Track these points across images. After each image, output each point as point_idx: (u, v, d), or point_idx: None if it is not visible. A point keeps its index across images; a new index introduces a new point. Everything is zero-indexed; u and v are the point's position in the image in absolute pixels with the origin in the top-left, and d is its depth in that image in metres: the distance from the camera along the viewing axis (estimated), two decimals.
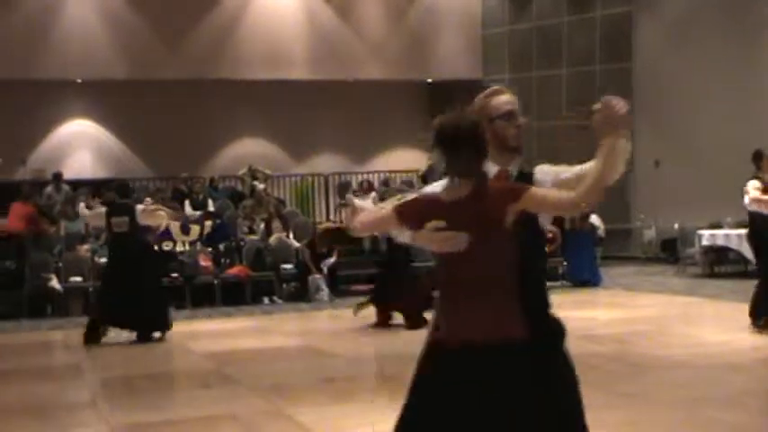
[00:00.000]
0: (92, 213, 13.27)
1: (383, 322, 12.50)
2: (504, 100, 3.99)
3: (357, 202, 13.54)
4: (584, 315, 12.49)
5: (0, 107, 21.07)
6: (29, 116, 21.57)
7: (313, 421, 7.00)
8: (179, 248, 16.44)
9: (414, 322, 11.91)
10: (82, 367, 10.19)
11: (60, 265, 15.98)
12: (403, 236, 3.73)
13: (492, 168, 3.81)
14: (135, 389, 9.02)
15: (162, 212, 12.50)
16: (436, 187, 3.75)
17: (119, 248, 12.04)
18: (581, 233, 17.03)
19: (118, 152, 23.35)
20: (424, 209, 3.52)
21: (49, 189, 19.19)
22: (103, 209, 12.42)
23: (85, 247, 16.42)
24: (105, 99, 22.60)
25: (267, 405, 7.78)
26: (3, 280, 15.66)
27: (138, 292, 11.65)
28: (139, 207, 12.14)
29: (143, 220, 12.02)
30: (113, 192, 12.54)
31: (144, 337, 11.89)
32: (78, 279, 15.79)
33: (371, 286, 13.70)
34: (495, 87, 4.08)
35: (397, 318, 12.49)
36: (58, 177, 19.40)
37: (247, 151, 23.03)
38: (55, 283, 15.51)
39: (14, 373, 10.01)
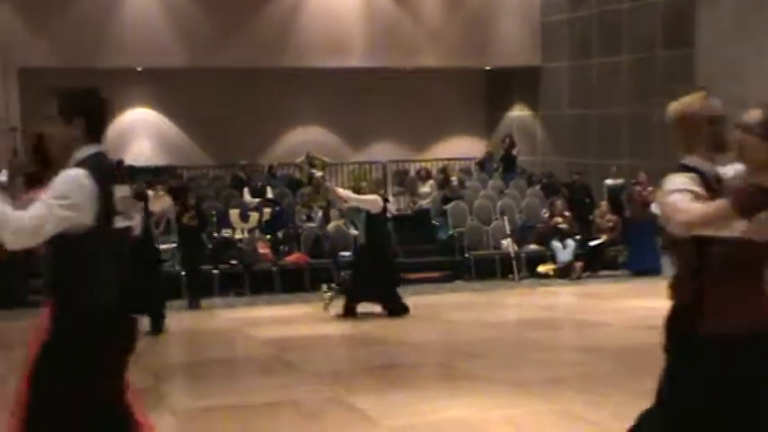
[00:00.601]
0: None
1: (350, 312, 12.52)
2: (719, 104, 3.92)
3: (340, 191, 13.59)
4: (644, 304, 12.34)
5: None
6: None
7: (373, 408, 7.01)
8: (238, 236, 16.55)
9: (397, 310, 12.24)
10: (141, 352, 10.26)
11: None
12: (729, 229, 3.53)
13: (705, 165, 3.77)
14: (196, 374, 9.12)
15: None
16: (728, 171, 3.77)
17: None
18: (642, 221, 16.81)
19: (177, 140, 23.58)
20: (759, 197, 3.44)
21: None
22: None
23: None
24: (165, 87, 22.83)
25: (327, 392, 7.81)
26: None
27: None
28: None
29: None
30: None
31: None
32: None
33: (429, 274, 13.63)
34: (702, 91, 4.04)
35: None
36: (119, 165, 19.66)
37: (305, 139, 23.10)
38: None
39: None
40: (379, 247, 12.63)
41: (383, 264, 12.57)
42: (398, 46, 22.45)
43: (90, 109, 3.95)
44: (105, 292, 3.84)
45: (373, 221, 12.58)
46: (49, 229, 3.64)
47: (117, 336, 3.85)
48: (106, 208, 3.80)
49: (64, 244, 3.70)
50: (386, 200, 13.37)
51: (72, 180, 3.72)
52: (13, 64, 20.63)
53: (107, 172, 3.88)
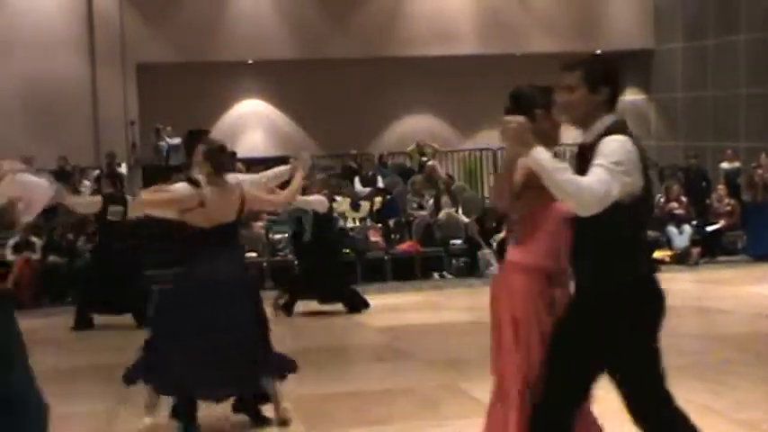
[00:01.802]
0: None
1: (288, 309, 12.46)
2: None
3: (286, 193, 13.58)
4: (763, 291, 11.98)
5: (178, 89, 21.86)
6: (204, 97, 22.29)
7: (488, 396, 6.95)
8: (350, 224, 16.67)
9: (355, 306, 12.21)
10: None
11: None
12: None
13: None
14: (313, 361, 9.19)
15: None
16: None
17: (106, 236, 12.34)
18: (762, 205, 16.30)
19: (289, 130, 23.87)
20: None
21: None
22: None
23: (260, 224, 16.85)
24: (276, 78, 23.12)
25: (442, 379, 7.80)
26: None
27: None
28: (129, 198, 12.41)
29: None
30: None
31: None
32: (253, 255, 16.23)
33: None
34: None
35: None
36: (232, 156, 19.95)
37: (415, 127, 23.12)
38: None
39: None
40: (326, 247, 12.59)
41: (330, 263, 12.55)
42: (508, 32, 22.26)
43: (615, 79, 4.04)
44: (643, 261, 3.98)
45: (320, 221, 12.50)
46: (615, 193, 3.69)
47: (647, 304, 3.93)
48: (646, 175, 3.89)
49: (613, 212, 3.71)
50: (333, 200, 13.29)
51: (621, 146, 3.80)
52: (132, 60, 21.19)
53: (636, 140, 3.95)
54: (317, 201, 12.23)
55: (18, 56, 20.54)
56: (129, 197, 5.74)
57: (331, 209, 12.79)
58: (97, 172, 18.34)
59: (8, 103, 20.44)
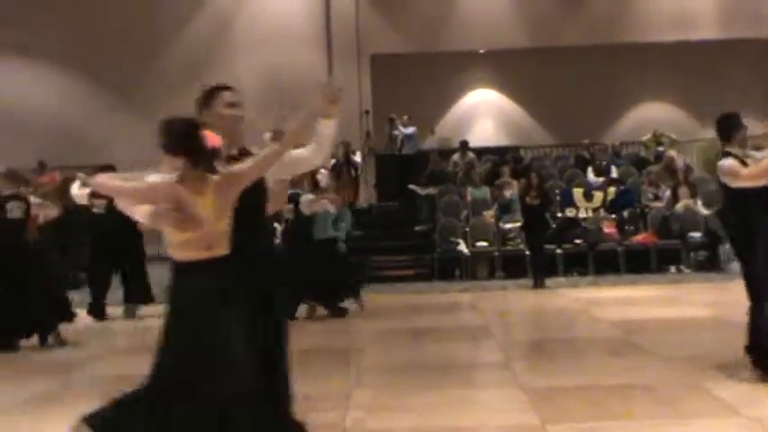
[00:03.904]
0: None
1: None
2: None
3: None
4: None
5: (411, 79, 22.17)
6: (436, 87, 22.49)
7: (734, 397, 6.60)
8: (582, 215, 16.37)
9: (337, 311, 11.66)
10: (491, 329, 10.44)
11: (467, 230, 16.54)
12: None
13: None
14: (546, 353, 9.10)
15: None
16: None
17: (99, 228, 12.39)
18: None
19: (519, 120, 23.72)
20: None
21: (455, 157, 19.90)
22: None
23: (490, 212, 16.85)
24: (507, 68, 23.01)
25: (682, 377, 7.48)
26: (416, 243, 16.54)
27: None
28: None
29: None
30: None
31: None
32: (484, 244, 16.24)
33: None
34: None
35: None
36: (464, 145, 20.06)
37: (651, 116, 22.40)
38: (463, 247, 16.08)
39: (430, 332, 10.49)
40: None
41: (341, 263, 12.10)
42: (751, 14, 21.15)
43: None
44: None
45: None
46: None
47: None
48: None
49: None
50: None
51: None
52: (367, 51, 21.67)
53: None
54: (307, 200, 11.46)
55: (260, 50, 21.47)
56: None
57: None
58: (333, 161, 18.90)
59: (249, 93, 21.27)
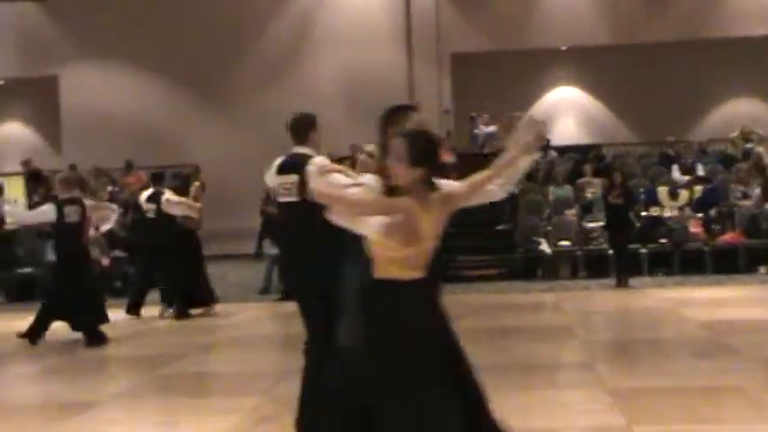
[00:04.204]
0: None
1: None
2: None
3: None
4: None
5: (491, 77, 22.06)
6: (518, 85, 22.34)
7: None
8: (667, 213, 16.08)
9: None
10: (574, 329, 10.32)
11: (549, 229, 16.39)
12: None
13: None
14: (630, 354, 8.97)
15: (182, 205, 12.55)
16: None
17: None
18: None
19: (602, 118, 23.43)
20: None
21: (537, 155, 19.65)
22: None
23: (572, 211, 16.66)
24: (589, 65, 22.76)
25: None
26: (497, 242, 16.45)
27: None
28: (163, 197, 12.40)
29: (167, 209, 12.34)
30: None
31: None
32: (566, 243, 16.06)
33: None
34: None
35: None
36: (545, 144, 19.83)
37: (738, 112, 21.91)
38: (545, 246, 15.93)
39: (513, 332, 10.41)
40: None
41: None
42: None
43: None
44: None
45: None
46: None
47: None
48: None
49: None
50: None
51: None
52: (447, 50, 21.64)
53: None
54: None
55: (340, 49, 21.60)
56: None
57: None
58: None
59: (331, 91, 21.55)
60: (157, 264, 12.59)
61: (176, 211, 12.38)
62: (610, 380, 7.39)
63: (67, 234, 10.39)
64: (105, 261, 15.92)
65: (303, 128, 5.94)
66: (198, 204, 12.75)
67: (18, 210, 10.81)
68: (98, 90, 22.60)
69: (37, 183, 19.24)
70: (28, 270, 16.03)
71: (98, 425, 6.38)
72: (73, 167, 19.74)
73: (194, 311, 12.50)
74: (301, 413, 5.42)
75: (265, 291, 15.07)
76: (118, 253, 16.16)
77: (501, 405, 6.51)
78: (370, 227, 4.09)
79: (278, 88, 22.15)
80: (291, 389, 7.33)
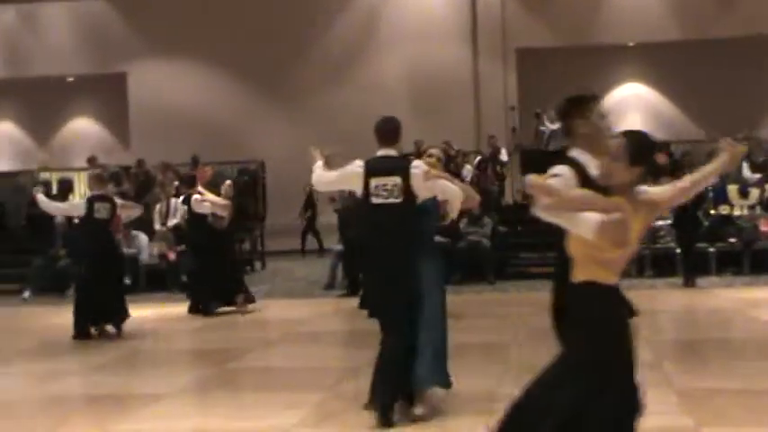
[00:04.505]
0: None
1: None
2: None
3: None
4: None
5: (557, 73, 21.88)
6: (584, 82, 22.06)
7: None
8: (737, 212, 15.81)
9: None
10: (641, 328, 10.14)
11: None
12: None
13: None
14: (698, 353, 8.85)
15: (207, 203, 12.60)
16: None
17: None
18: None
19: (670, 114, 23.13)
20: None
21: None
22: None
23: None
24: (657, 61, 22.45)
25: None
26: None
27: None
28: (194, 197, 12.53)
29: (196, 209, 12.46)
30: None
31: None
32: None
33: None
34: None
35: None
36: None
37: None
38: None
39: None
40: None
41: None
42: None
43: None
44: None
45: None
46: None
47: None
48: None
49: None
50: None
51: None
52: (512, 45, 21.54)
53: None
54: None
55: (405, 43, 21.63)
56: None
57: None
58: (479, 157, 18.85)
59: (396, 87, 21.58)
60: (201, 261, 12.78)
61: (205, 210, 12.59)
62: (677, 380, 7.30)
63: (96, 229, 10.77)
64: (172, 255, 16.13)
65: (394, 131, 6.15)
66: (226, 202, 12.89)
67: (48, 200, 11.33)
68: (165, 86, 22.92)
69: None
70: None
71: (169, 418, 6.47)
72: (140, 163, 20.08)
73: (225, 309, 12.59)
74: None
75: (330, 287, 15.15)
76: (185, 247, 16.35)
77: None
78: (585, 225, 3.94)
79: (343, 84, 22.27)
80: (356, 385, 7.39)
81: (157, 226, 16.83)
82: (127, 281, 14.98)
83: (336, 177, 6.21)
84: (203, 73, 23.16)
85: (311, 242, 20.78)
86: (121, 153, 23.95)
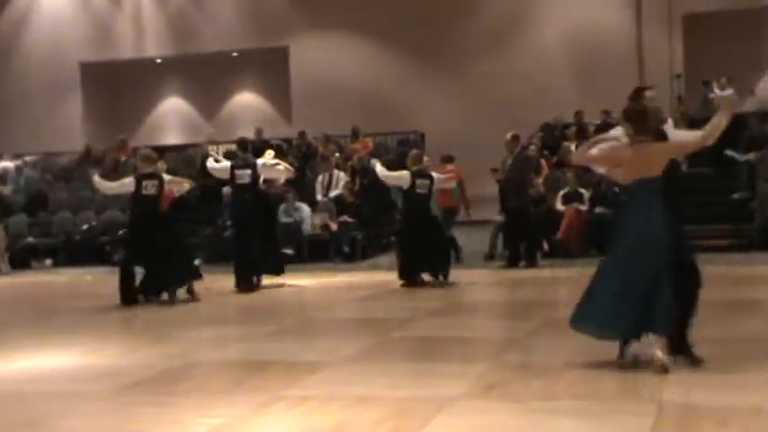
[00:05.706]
0: (218, 167, 13.06)
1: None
2: None
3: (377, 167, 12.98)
4: None
5: (724, 39, 21.02)
6: (754, 46, 21.23)
7: None
8: None
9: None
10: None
11: None
12: None
13: None
14: None
15: (281, 167, 12.82)
16: None
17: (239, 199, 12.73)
18: None
19: None
20: None
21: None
22: (228, 163, 12.90)
23: None
24: None
25: None
26: (732, 212, 15.77)
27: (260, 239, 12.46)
28: (260, 161, 12.58)
29: (264, 174, 12.58)
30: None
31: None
32: None
33: None
34: None
35: None
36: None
37: None
38: None
39: (752, 306, 9.92)
40: (416, 220, 12.41)
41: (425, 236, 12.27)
42: None
43: None
44: None
45: (407, 196, 12.62)
46: None
47: None
48: None
49: None
50: (421, 176, 12.58)
51: None
52: (678, 10, 20.82)
53: None
54: (395, 177, 12.83)
55: (565, 10, 21.23)
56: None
57: (413, 185, 12.61)
58: None
59: (556, 55, 21.21)
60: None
61: (273, 175, 12.93)
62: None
63: (144, 204, 11.48)
64: (334, 226, 16.39)
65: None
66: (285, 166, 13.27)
67: (101, 180, 12.10)
68: (325, 59, 23.24)
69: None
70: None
71: (334, 384, 6.56)
72: (302, 135, 20.45)
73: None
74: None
75: (490, 257, 15.07)
76: (347, 218, 16.58)
77: (742, 380, 6.21)
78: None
79: (501, 53, 22.05)
80: (519, 356, 7.32)
81: (319, 197, 17.12)
82: (289, 251, 15.34)
83: None
84: (362, 45, 23.34)
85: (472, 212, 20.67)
86: (283, 126, 24.46)
